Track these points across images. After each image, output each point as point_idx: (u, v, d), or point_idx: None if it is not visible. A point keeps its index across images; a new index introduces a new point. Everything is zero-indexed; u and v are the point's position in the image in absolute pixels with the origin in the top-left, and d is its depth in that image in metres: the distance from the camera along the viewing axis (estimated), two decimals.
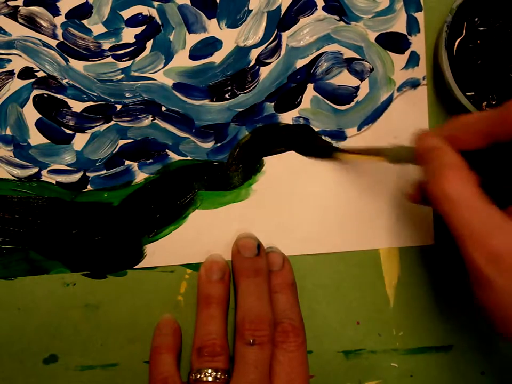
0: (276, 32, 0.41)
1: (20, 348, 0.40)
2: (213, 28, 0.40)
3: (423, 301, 0.42)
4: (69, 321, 0.41)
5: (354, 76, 0.41)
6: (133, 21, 0.40)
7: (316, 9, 0.41)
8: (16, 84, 0.40)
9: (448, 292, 0.42)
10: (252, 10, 0.40)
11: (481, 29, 0.39)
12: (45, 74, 0.40)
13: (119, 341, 0.41)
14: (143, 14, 0.40)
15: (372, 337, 0.42)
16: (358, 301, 0.42)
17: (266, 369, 0.36)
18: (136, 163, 0.41)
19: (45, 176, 0.40)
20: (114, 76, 0.40)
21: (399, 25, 0.41)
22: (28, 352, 0.41)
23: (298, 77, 0.41)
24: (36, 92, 0.40)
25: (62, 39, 0.40)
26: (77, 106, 0.40)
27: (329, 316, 0.42)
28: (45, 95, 0.40)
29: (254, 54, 0.41)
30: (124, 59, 0.40)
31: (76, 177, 0.40)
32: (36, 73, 0.40)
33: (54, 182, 0.40)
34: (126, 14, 0.40)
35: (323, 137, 0.41)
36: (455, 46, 0.39)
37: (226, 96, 0.41)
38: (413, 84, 0.41)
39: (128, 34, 0.40)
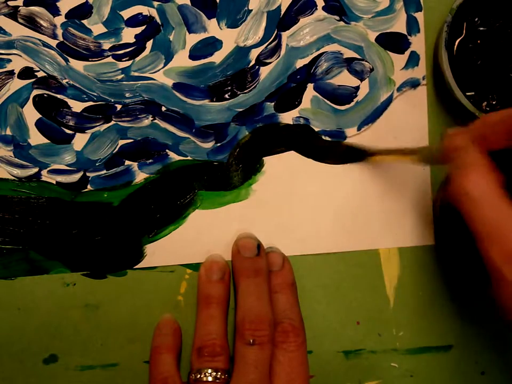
0: (275, 32, 0.41)
1: (20, 348, 0.40)
2: (213, 27, 0.40)
3: (423, 301, 0.42)
4: (69, 321, 0.41)
5: (354, 76, 0.41)
6: (133, 21, 0.40)
7: (316, 9, 0.41)
8: (16, 84, 0.40)
9: (448, 292, 0.42)
10: (251, 10, 0.40)
11: (481, 29, 0.39)
12: (45, 74, 0.40)
13: (119, 341, 0.41)
14: (143, 14, 0.40)
15: (372, 337, 0.42)
16: (358, 301, 0.42)
17: (266, 369, 0.36)
18: (136, 163, 0.41)
19: (45, 176, 0.40)
20: (114, 76, 0.40)
21: (399, 25, 0.41)
22: (28, 352, 0.40)
23: (298, 76, 0.41)
24: (35, 92, 0.40)
25: (62, 39, 0.40)
26: (77, 106, 0.40)
27: (329, 316, 0.42)
28: (45, 95, 0.40)
29: (254, 54, 0.41)
30: (124, 59, 0.40)
31: (75, 177, 0.40)
32: (35, 73, 0.40)
33: (54, 182, 0.40)
34: (126, 14, 0.40)
35: (323, 137, 0.41)
36: (455, 46, 0.39)
37: (226, 96, 0.41)
38: (413, 84, 0.41)
39: (128, 34, 0.40)
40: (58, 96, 0.40)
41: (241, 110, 0.41)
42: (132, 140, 0.40)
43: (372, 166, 0.41)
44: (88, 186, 0.40)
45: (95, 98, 0.40)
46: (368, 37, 0.41)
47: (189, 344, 0.40)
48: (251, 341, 0.36)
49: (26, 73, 0.40)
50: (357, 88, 0.41)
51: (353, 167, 0.41)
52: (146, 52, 0.40)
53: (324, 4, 0.41)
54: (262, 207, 0.41)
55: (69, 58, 0.40)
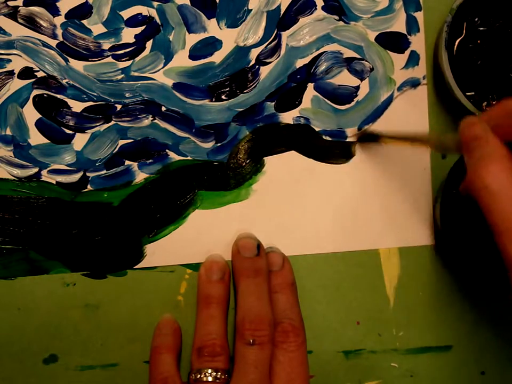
0: (275, 31, 0.41)
1: (20, 348, 0.40)
2: (213, 27, 0.40)
3: (423, 301, 0.42)
4: (69, 321, 0.41)
5: (354, 76, 0.41)
6: (133, 21, 0.40)
7: (316, 9, 0.41)
8: (16, 83, 0.40)
9: (448, 292, 0.42)
10: (251, 10, 0.40)
11: (481, 29, 0.39)
12: (45, 74, 0.40)
13: (119, 341, 0.41)
14: (143, 14, 0.40)
15: (372, 337, 0.42)
16: (358, 301, 0.42)
17: (266, 369, 0.36)
18: (136, 163, 0.41)
19: (45, 176, 0.40)
20: (114, 76, 0.40)
21: (398, 24, 0.41)
22: (28, 352, 0.41)
23: (299, 76, 0.41)
24: (36, 92, 0.40)
25: (62, 39, 0.40)
26: (77, 106, 0.40)
27: (329, 316, 0.42)
28: (45, 95, 0.40)
29: (254, 53, 0.41)
30: (124, 59, 0.40)
31: (75, 177, 0.40)
32: (35, 73, 0.40)
33: (54, 182, 0.40)
34: (126, 14, 0.40)
35: (324, 137, 0.41)
36: (455, 46, 0.39)
37: (227, 96, 0.41)
38: (413, 83, 0.41)
39: (128, 34, 0.40)
40: (58, 96, 0.40)
41: (241, 109, 0.41)
42: (132, 140, 0.40)
43: (372, 164, 0.41)
44: (88, 186, 0.40)
45: (95, 98, 0.40)
46: (368, 36, 0.41)
47: (189, 344, 0.40)
48: (251, 341, 0.36)
49: (26, 73, 0.40)
50: (357, 87, 0.41)
51: (353, 167, 0.41)
52: (146, 52, 0.40)
53: (323, 4, 0.41)
54: (262, 207, 0.41)
55: (69, 58, 0.40)
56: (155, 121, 0.40)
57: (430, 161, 0.41)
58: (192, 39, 0.40)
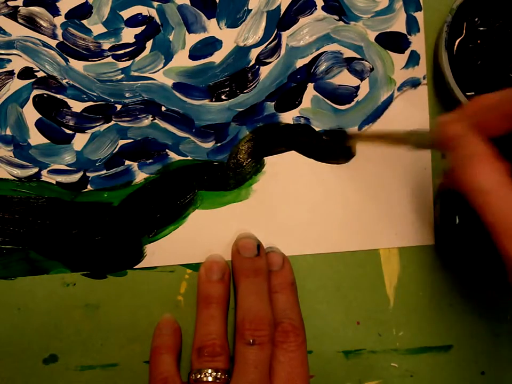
0: (275, 31, 0.41)
1: (20, 348, 0.40)
2: (213, 27, 0.40)
3: (423, 301, 0.42)
4: (69, 321, 0.41)
5: (354, 76, 0.41)
6: (133, 21, 0.40)
7: (316, 9, 0.41)
8: (16, 83, 0.40)
9: (448, 292, 0.42)
10: (251, 10, 0.40)
11: (481, 29, 0.39)
12: (45, 74, 0.40)
13: (119, 341, 0.41)
14: (143, 14, 0.40)
15: (372, 337, 0.42)
16: (358, 301, 0.42)
17: (266, 369, 0.36)
18: (136, 163, 0.41)
19: (45, 176, 0.40)
20: (114, 75, 0.40)
21: (398, 24, 0.41)
22: (28, 352, 0.41)
23: (299, 76, 0.41)
24: (35, 92, 0.40)
25: (62, 39, 0.40)
26: (77, 106, 0.40)
27: (329, 316, 0.42)
28: (45, 95, 0.40)
29: (254, 53, 0.41)
30: (124, 59, 0.40)
31: (75, 177, 0.40)
32: (35, 73, 0.40)
33: (54, 182, 0.40)
34: (126, 14, 0.40)
35: (324, 137, 0.41)
36: (455, 46, 0.39)
37: (227, 96, 0.41)
38: (413, 83, 0.41)
39: (128, 34, 0.40)
40: (58, 96, 0.40)
41: (241, 109, 0.41)
42: (132, 140, 0.40)
43: (372, 164, 0.41)
44: (88, 186, 0.40)
45: (95, 98, 0.40)
46: (368, 36, 0.41)
47: (189, 344, 0.40)
48: (251, 341, 0.36)
49: (26, 73, 0.40)
50: (357, 87, 0.41)
51: (354, 167, 0.41)
52: (146, 52, 0.40)
53: (323, 4, 0.41)
54: (262, 207, 0.41)
55: (69, 58, 0.40)
56: (155, 121, 0.40)
57: (431, 161, 0.41)
58: (192, 39, 0.40)
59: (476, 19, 0.39)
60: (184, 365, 0.40)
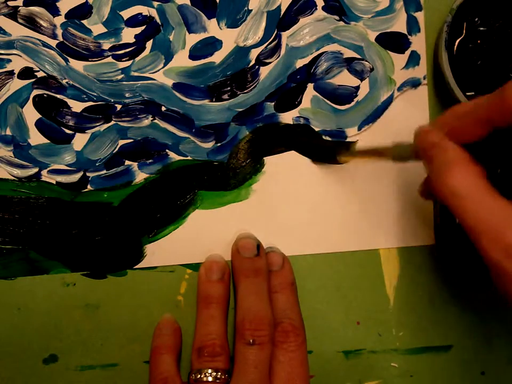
0: (275, 32, 0.41)
1: (20, 348, 0.40)
2: (213, 27, 0.40)
3: (423, 301, 0.42)
4: (69, 321, 0.41)
5: (354, 76, 0.41)
6: (133, 21, 0.40)
7: (316, 9, 0.41)
8: (16, 83, 0.40)
9: (448, 292, 0.42)
10: (251, 10, 0.40)
11: (481, 29, 0.39)
12: (45, 74, 0.40)
13: (119, 341, 0.41)
14: (143, 14, 0.40)
15: (372, 337, 0.42)
16: (358, 301, 0.42)
17: (266, 369, 0.36)
18: (136, 163, 0.41)
19: (45, 176, 0.40)
20: (114, 76, 0.40)
21: (399, 25, 0.41)
22: (28, 352, 0.41)
23: (298, 76, 0.41)
24: (35, 92, 0.40)
25: (62, 39, 0.40)
26: (77, 106, 0.40)
27: (329, 316, 0.42)
28: (45, 95, 0.40)
29: (254, 53, 0.41)
30: (124, 59, 0.40)
31: (75, 177, 0.40)
32: (35, 73, 0.40)
33: (54, 182, 0.40)
34: (126, 14, 0.40)
35: (323, 137, 0.41)
36: (455, 46, 0.39)
37: (226, 96, 0.41)
38: (414, 84, 0.41)
39: (128, 34, 0.40)
40: (58, 96, 0.40)
41: (241, 110, 0.41)
42: (132, 140, 0.40)
43: (372, 164, 0.41)
44: (88, 186, 0.40)
45: (95, 98, 0.40)
46: (368, 36, 0.41)
47: (189, 344, 0.40)
48: (251, 341, 0.36)
49: (26, 73, 0.40)
50: (357, 88, 0.41)
51: (353, 167, 0.41)
52: (146, 52, 0.40)
53: (323, 4, 0.41)
54: (262, 207, 0.41)
55: (69, 58, 0.40)
56: (155, 121, 0.40)
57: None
58: (192, 39, 0.40)
59: (476, 19, 0.39)
60: (184, 365, 0.40)
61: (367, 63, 0.41)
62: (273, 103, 0.41)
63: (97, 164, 0.40)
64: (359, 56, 0.41)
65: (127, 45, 0.40)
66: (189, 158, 0.41)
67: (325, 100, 0.41)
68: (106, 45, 0.40)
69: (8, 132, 0.40)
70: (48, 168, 0.40)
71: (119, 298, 0.41)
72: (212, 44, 0.40)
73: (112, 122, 0.40)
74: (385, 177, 0.42)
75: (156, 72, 0.40)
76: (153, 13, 0.40)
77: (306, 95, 0.41)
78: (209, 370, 0.36)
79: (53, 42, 0.40)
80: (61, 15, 0.39)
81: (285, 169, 0.41)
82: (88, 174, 0.40)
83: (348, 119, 0.41)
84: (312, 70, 0.41)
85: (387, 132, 0.41)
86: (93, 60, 0.40)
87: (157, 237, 0.41)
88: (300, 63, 0.41)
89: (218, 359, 0.37)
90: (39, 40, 0.39)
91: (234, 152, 0.41)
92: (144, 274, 0.41)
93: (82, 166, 0.40)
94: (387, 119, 0.42)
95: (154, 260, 0.41)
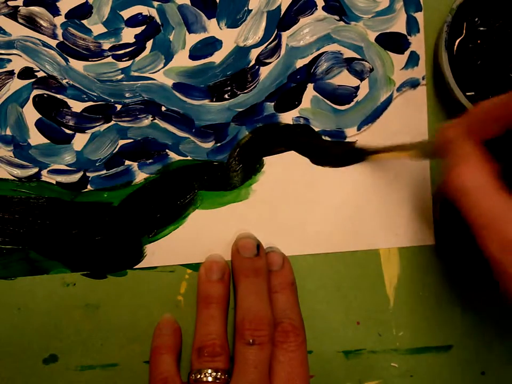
0: (275, 32, 0.41)
1: (20, 348, 0.40)
2: (213, 27, 0.40)
3: (423, 301, 0.42)
4: (69, 321, 0.41)
5: (354, 76, 0.41)
6: (133, 21, 0.40)
7: (316, 9, 0.41)
8: (16, 83, 0.40)
9: (448, 292, 0.42)
10: (251, 10, 0.40)
11: (481, 29, 0.39)
12: (45, 74, 0.40)
13: (119, 341, 0.41)
14: (143, 14, 0.40)
15: (372, 337, 0.42)
16: (358, 301, 0.42)
17: (266, 369, 0.36)
18: (136, 163, 0.41)
19: (45, 176, 0.40)
20: (114, 76, 0.40)
21: (399, 25, 0.41)
22: (28, 352, 0.41)
23: (298, 76, 0.41)
24: (35, 92, 0.40)
25: (62, 39, 0.40)
26: (77, 106, 0.40)
27: (329, 316, 0.42)
28: (45, 95, 0.40)
29: (254, 54, 0.41)
30: (124, 59, 0.40)
31: (75, 177, 0.40)
32: (36, 73, 0.40)
33: (54, 182, 0.40)
34: (126, 14, 0.40)
35: (323, 137, 0.41)
36: (455, 46, 0.39)
37: (226, 96, 0.41)
38: (413, 84, 0.41)
39: (128, 34, 0.40)
40: (58, 96, 0.40)
41: (241, 110, 0.41)
42: (132, 140, 0.40)
43: (372, 164, 0.41)
44: (88, 186, 0.40)
45: (95, 98, 0.40)
46: (368, 37, 0.41)
47: (189, 344, 0.40)
48: (251, 341, 0.36)
49: (26, 73, 0.40)
50: (357, 88, 0.41)
51: (353, 166, 0.41)
52: (146, 52, 0.40)
53: (323, 4, 0.41)
54: (262, 207, 0.41)
55: (69, 58, 0.40)
56: (155, 121, 0.40)
57: (430, 160, 0.41)
58: (192, 39, 0.40)
59: (476, 19, 0.39)
60: (184, 365, 0.40)
61: (366, 63, 0.41)
62: (273, 103, 0.41)
63: (97, 164, 0.40)
64: (359, 56, 0.41)
65: (127, 45, 0.40)
66: (189, 158, 0.41)
67: (325, 100, 0.41)
68: (106, 45, 0.40)
69: (8, 132, 0.40)
70: (48, 168, 0.40)
71: (119, 298, 0.41)
72: (212, 44, 0.40)
73: (112, 122, 0.40)
74: (385, 177, 0.42)
75: (156, 72, 0.40)
76: (153, 13, 0.40)
77: (306, 95, 0.41)
78: (209, 370, 0.36)
79: (53, 42, 0.40)
80: (61, 15, 0.39)
81: (285, 169, 0.41)
82: (88, 174, 0.40)
83: (347, 119, 0.41)
84: (312, 70, 0.41)
85: (386, 132, 0.41)
86: (93, 59, 0.40)
87: (157, 237, 0.41)
88: (300, 63, 0.41)
89: (218, 359, 0.37)
90: (39, 40, 0.39)
91: (234, 152, 0.41)
92: (144, 274, 0.41)
93: (82, 166, 0.40)
94: (386, 119, 0.42)
95: (154, 259, 0.41)
